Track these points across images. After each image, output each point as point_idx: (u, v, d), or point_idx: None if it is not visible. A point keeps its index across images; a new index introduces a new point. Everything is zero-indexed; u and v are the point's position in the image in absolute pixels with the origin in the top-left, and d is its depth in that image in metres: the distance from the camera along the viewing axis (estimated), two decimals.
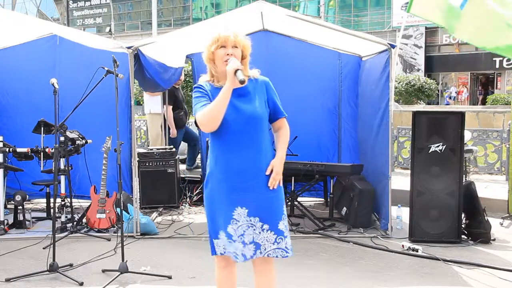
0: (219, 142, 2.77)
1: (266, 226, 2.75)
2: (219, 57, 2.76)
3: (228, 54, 2.73)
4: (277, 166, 2.78)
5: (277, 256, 2.78)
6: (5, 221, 5.41)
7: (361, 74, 6.40)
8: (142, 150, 6.80)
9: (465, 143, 5.41)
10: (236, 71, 2.64)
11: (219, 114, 2.67)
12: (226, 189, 2.75)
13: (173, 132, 7.52)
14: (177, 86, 7.67)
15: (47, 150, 5.49)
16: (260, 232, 2.76)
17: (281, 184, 2.83)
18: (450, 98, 30.89)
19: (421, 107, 18.64)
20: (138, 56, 5.28)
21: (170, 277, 4.11)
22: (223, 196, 2.76)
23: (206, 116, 2.68)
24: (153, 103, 7.81)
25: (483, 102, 28.41)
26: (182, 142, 7.98)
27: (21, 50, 6.34)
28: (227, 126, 2.72)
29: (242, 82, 2.62)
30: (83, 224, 5.48)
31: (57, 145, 4.59)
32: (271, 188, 2.77)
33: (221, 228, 2.78)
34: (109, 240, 5.07)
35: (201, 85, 2.82)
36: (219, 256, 2.87)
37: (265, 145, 2.80)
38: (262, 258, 2.80)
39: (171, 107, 7.52)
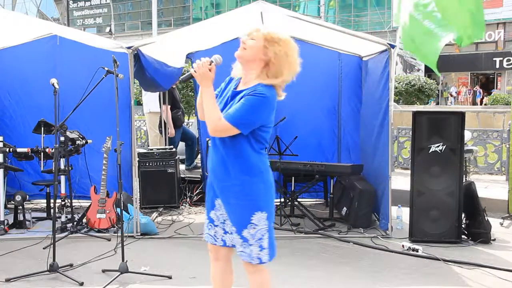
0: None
1: (233, 229, 2.80)
2: None
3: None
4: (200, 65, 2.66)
5: (243, 259, 2.80)
6: (5, 221, 5.41)
7: (364, 74, 6.40)
8: (142, 150, 6.80)
9: (465, 143, 5.41)
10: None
11: (200, 110, 2.80)
12: (210, 181, 2.88)
13: (171, 132, 7.51)
14: (173, 86, 7.65)
15: (47, 150, 5.49)
16: (232, 233, 2.82)
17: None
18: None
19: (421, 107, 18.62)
20: (138, 56, 5.29)
21: (170, 277, 4.11)
22: (210, 185, 2.89)
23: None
24: (153, 101, 7.80)
25: (480, 102, 28.45)
26: (180, 142, 7.97)
27: (21, 50, 6.33)
28: None
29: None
30: (83, 224, 5.48)
31: (57, 145, 4.58)
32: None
33: (207, 211, 2.92)
34: (109, 240, 5.07)
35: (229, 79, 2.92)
36: (210, 247, 2.96)
37: (238, 152, 2.70)
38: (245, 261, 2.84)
39: (169, 107, 7.52)
